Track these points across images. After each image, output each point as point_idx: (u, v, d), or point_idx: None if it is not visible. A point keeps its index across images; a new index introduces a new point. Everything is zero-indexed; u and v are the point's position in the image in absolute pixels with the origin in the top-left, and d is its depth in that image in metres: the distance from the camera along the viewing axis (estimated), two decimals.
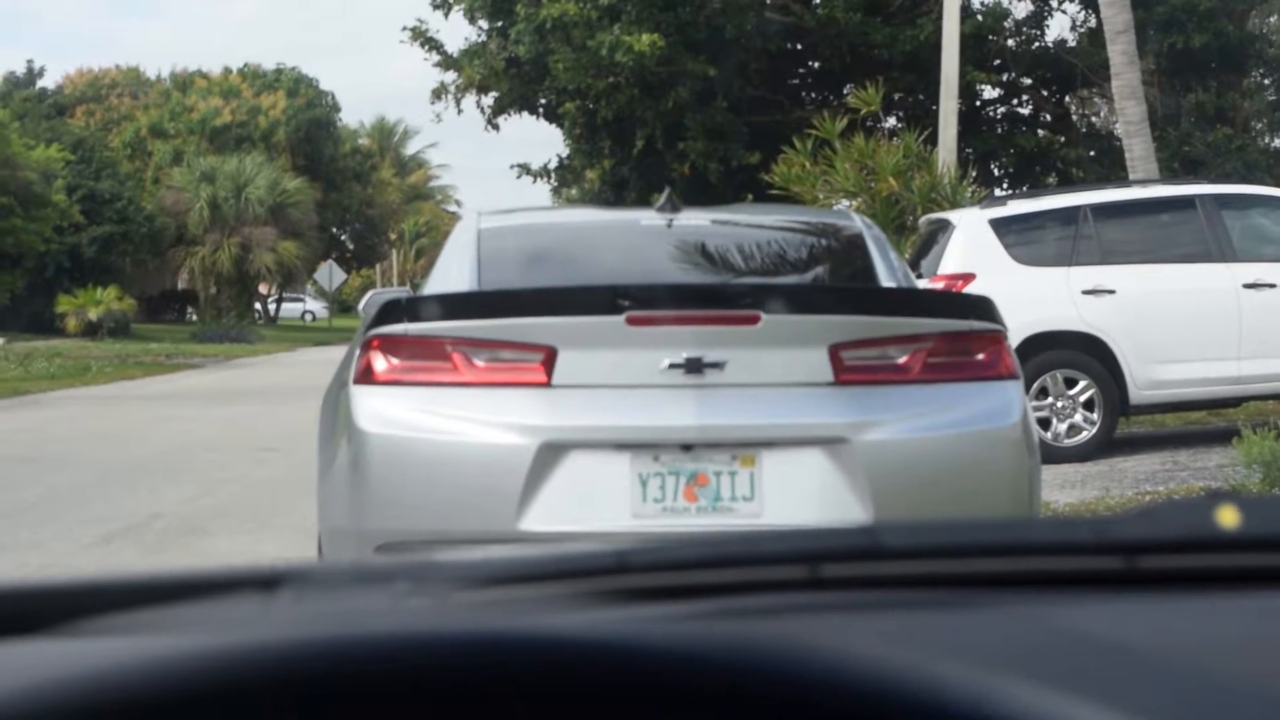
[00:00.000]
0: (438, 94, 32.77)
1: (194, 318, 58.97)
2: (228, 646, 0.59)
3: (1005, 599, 0.97)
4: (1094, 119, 35.37)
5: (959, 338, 5.14)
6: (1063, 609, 0.96)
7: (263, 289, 66.19)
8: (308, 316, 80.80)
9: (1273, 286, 12.24)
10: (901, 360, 5.05)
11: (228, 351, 40.86)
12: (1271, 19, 35.74)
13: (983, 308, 5.26)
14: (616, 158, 32.31)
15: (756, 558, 1.00)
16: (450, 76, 32.50)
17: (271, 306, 72.42)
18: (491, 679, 0.53)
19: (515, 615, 0.55)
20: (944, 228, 12.99)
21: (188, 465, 12.99)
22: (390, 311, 5.07)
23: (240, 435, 15.94)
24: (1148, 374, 12.21)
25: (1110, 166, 29.16)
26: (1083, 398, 12.30)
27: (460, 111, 33.47)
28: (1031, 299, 11.94)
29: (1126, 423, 13.24)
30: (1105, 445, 12.31)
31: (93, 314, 45.36)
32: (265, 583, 0.86)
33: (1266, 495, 6.70)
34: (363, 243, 76.47)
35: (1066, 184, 29.13)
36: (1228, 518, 1.00)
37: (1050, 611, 0.95)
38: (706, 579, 0.96)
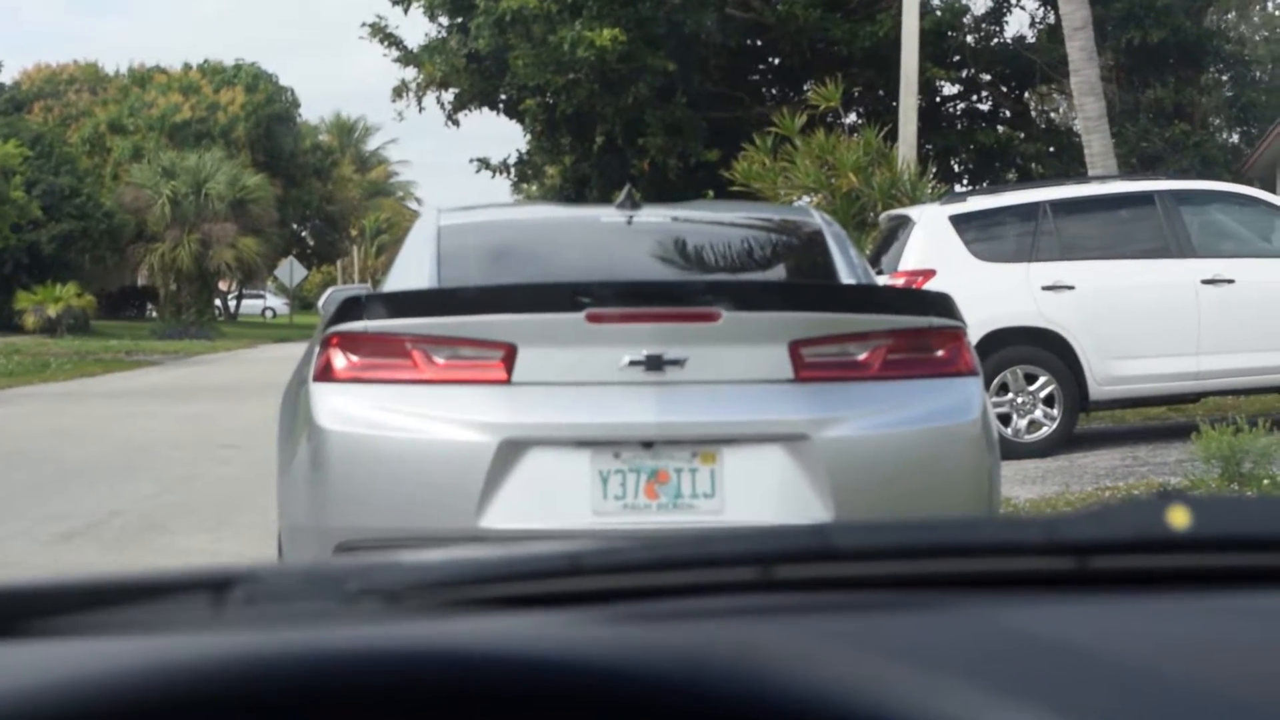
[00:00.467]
0: (399, 92, 32.74)
1: (154, 314, 58.70)
2: (170, 655, 0.59)
3: (957, 600, 0.97)
4: (1053, 115, 35.56)
5: (919, 334, 5.15)
6: (1014, 610, 0.96)
7: (223, 285, 65.91)
8: (268, 313, 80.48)
9: (1231, 282, 12.30)
10: (861, 357, 5.06)
11: (188, 348, 40.69)
12: (1229, 15, 35.98)
13: (942, 304, 5.28)
14: (577, 154, 32.33)
15: (709, 559, 1.00)
16: (411, 73, 32.49)
17: (232, 303, 72.14)
18: (432, 693, 0.53)
19: (458, 624, 0.55)
20: (904, 224, 13.02)
21: (148, 462, 12.94)
22: (350, 309, 5.05)
23: (200, 432, 15.88)
24: (1107, 369, 12.26)
25: (1069, 162, 29.32)
26: (1043, 393, 12.34)
27: (422, 109, 33.49)
28: (991, 295, 11.98)
29: (1086, 418, 13.29)
30: (1065, 441, 12.35)
31: (52, 311, 45.11)
32: (216, 585, 0.85)
33: (1216, 495, 6.74)
34: (323, 239, 76.22)
35: (1026, 180, 29.24)
36: (1178, 518, 1.00)
37: (1001, 613, 0.95)
38: (659, 581, 0.96)
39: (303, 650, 0.54)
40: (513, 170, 34.99)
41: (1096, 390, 12.32)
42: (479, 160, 34.21)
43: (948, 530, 1.07)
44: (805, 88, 28.12)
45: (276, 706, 0.54)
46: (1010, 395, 12.33)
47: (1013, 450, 11.45)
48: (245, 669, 0.56)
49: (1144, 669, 0.83)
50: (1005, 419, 12.13)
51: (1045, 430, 12.32)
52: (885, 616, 0.94)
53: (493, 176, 34.45)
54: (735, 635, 0.65)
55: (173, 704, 0.57)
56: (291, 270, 55.15)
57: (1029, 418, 12.35)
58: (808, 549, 1.02)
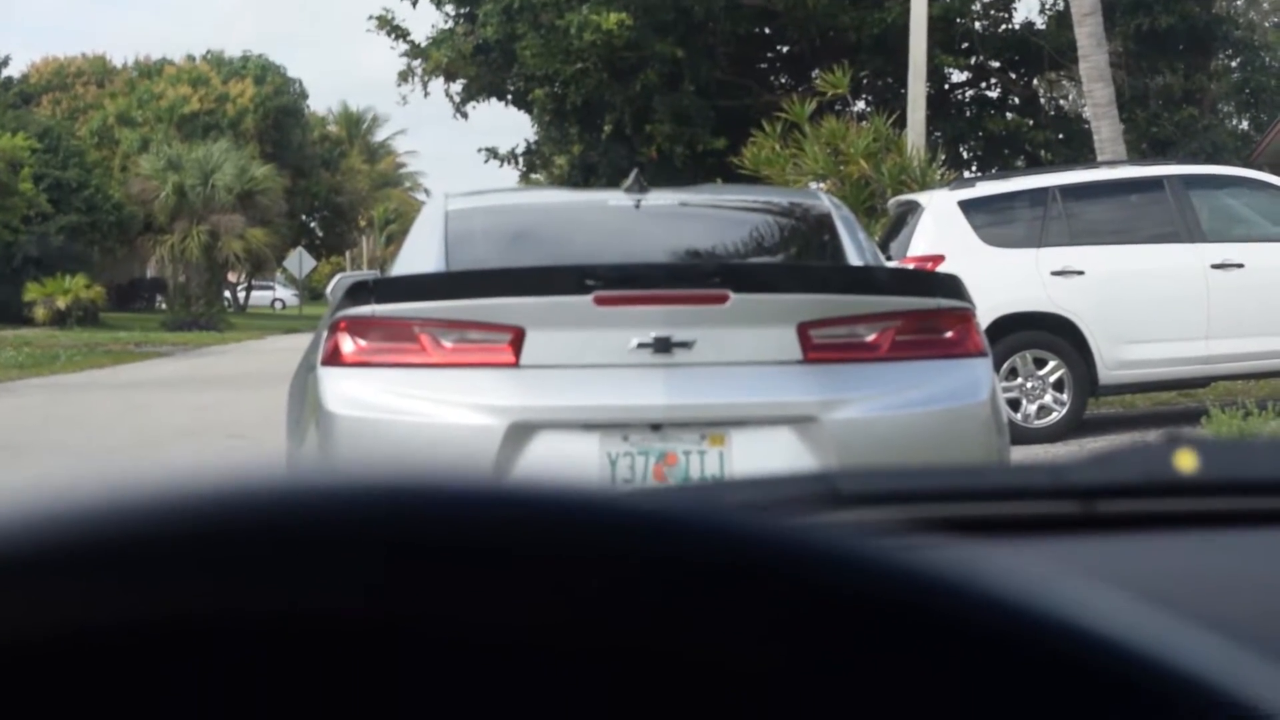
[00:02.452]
0: (404, 76, 32.70)
1: (163, 306, 58.71)
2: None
3: (962, 544, 0.96)
4: (1062, 101, 35.47)
5: (927, 316, 5.13)
6: (1020, 553, 0.96)
7: (232, 277, 65.96)
8: (278, 304, 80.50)
9: (1240, 267, 12.28)
10: (870, 338, 5.05)
11: (197, 339, 40.71)
12: (1238, 1, 35.89)
13: (951, 286, 5.26)
14: (585, 143, 32.30)
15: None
16: (418, 63, 32.45)
17: (241, 294, 72.17)
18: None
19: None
20: (913, 209, 13.00)
21: (157, 453, 12.94)
22: (358, 293, 5.05)
23: (210, 422, 15.88)
24: (1117, 354, 12.24)
25: (1078, 149, 29.25)
26: (1052, 379, 12.32)
27: (427, 94, 33.48)
28: (1001, 280, 11.95)
29: (1096, 403, 13.27)
30: (1075, 426, 12.33)
31: (61, 303, 45.11)
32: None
33: (1223, 439, 6.71)
34: (332, 230, 76.24)
35: (1035, 166, 29.20)
36: (1185, 462, 1.00)
37: (1008, 556, 0.94)
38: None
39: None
40: (521, 160, 35.00)
41: (1106, 375, 12.30)
42: (487, 150, 34.23)
43: (954, 476, 1.07)
44: (813, 75, 28.05)
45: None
46: (1019, 380, 12.31)
47: (1022, 435, 11.43)
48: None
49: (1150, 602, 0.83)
50: (1014, 404, 12.11)
51: (1055, 415, 12.30)
52: None
53: (501, 166, 34.47)
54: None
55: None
56: (300, 261, 55.19)
57: (1038, 403, 12.33)
58: (814, 496, 1.02)
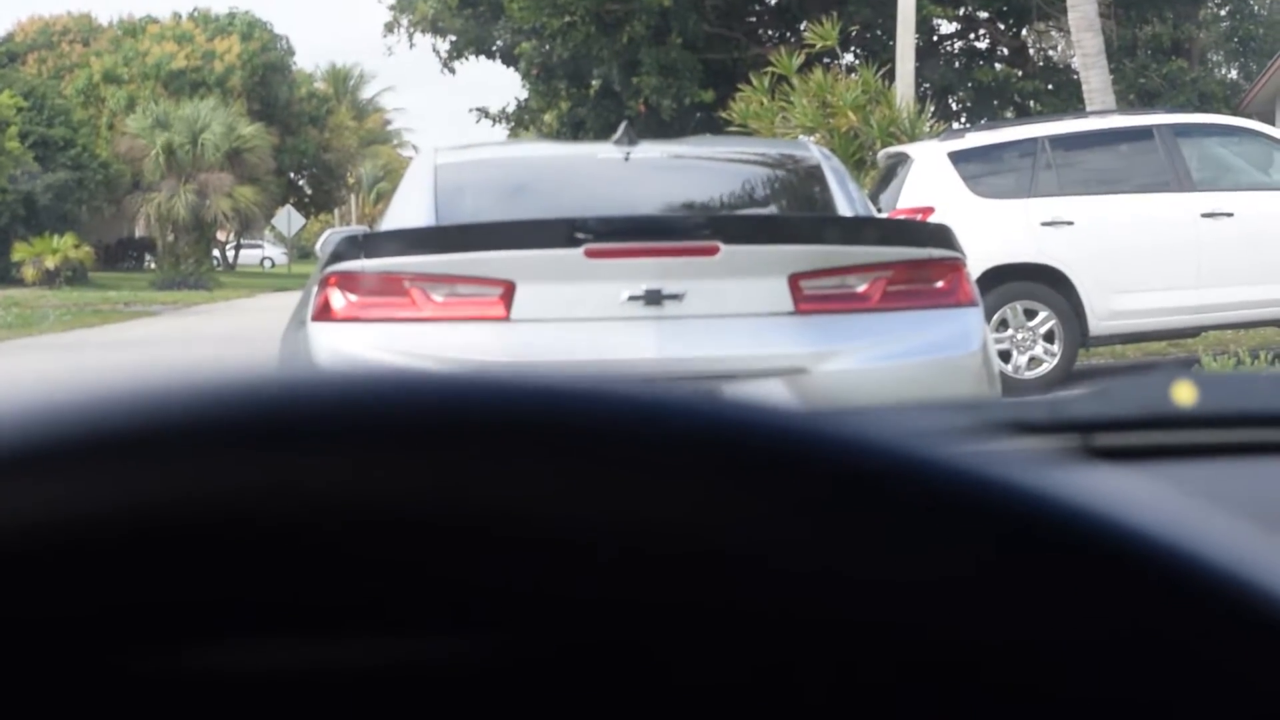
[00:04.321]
0: (390, 27, 32.60)
1: (152, 265, 58.59)
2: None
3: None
4: (1051, 52, 35.39)
5: (918, 266, 5.13)
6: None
7: (220, 235, 65.81)
8: (267, 263, 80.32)
9: (1230, 215, 12.27)
10: (861, 289, 5.05)
11: (186, 299, 40.61)
12: None
13: (941, 235, 5.26)
14: (573, 99, 32.25)
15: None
16: (405, 16, 32.35)
17: (230, 253, 72.02)
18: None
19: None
20: (903, 161, 12.98)
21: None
22: (348, 248, 5.04)
23: None
24: (1107, 305, 12.24)
25: (1068, 99, 29.20)
26: (1043, 329, 12.32)
27: (413, 45, 33.34)
28: (991, 231, 11.94)
29: (1086, 354, 13.28)
30: (1066, 377, 12.33)
31: (49, 262, 44.98)
32: None
33: (1220, 372, 6.71)
34: (320, 188, 75.99)
35: (1024, 117, 29.15)
36: (1183, 395, 0.99)
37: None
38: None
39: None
40: (510, 118, 34.93)
41: (1096, 325, 12.30)
42: (478, 110, 34.16)
43: (952, 411, 1.06)
44: (802, 27, 27.98)
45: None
46: (1010, 331, 12.31)
47: (1013, 386, 11.45)
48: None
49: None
50: (1005, 355, 12.11)
51: (1045, 366, 12.31)
52: None
53: (492, 125, 34.42)
54: None
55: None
56: (289, 219, 55.05)
57: (1029, 354, 12.34)
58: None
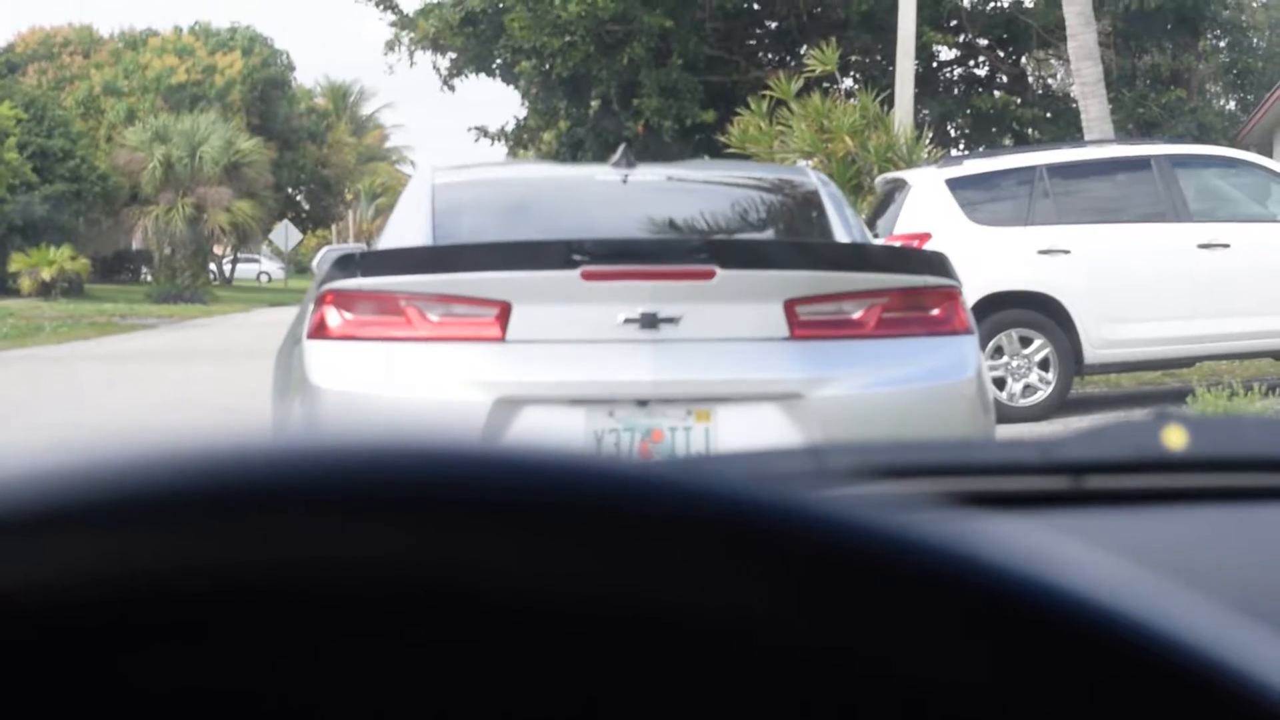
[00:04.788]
0: (390, 45, 32.64)
1: (148, 278, 58.58)
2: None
3: (952, 519, 0.96)
4: (1050, 80, 35.47)
5: (914, 293, 5.13)
6: (1008, 528, 0.96)
7: (218, 250, 65.83)
8: (263, 277, 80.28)
9: (1227, 246, 12.30)
10: (856, 315, 5.05)
11: (183, 312, 40.64)
12: None
13: (937, 263, 5.26)
14: (573, 118, 32.28)
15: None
16: (405, 33, 32.38)
17: (226, 267, 72.03)
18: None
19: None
20: (900, 187, 13.00)
21: (142, 425, 12.90)
22: (344, 266, 5.03)
23: (195, 395, 15.86)
24: (1103, 334, 12.26)
25: (1066, 127, 29.26)
26: (1038, 357, 12.34)
27: (413, 64, 33.38)
28: (987, 258, 11.96)
29: (1081, 383, 13.29)
30: (1060, 405, 12.35)
31: (46, 274, 44.98)
32: None
33: (1212, 416, 6.72)
34: (318, 203, 76.05)
35: (1022, 145, 29.21)
36: (1174, 439, 1.00)
37: (996, 530, 0.94)
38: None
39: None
40: (509, 137, 34.95)
41: (1092, 354, 12.32)
42: (477, 129, 34.19)
43: (944, 451, 1.07)
44: (801, 52, 28.04)
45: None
46: (1005, 359, 12.33)
47: (1008, 414, 11.45)
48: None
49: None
50: (1000, 383, 12.13)
51: (1040, 394, 12.32)
52: None
53: (491, 144, 34.44)
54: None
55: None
56: (286, 234, 55.10)
57: (1024, 382, 12.35)
58: (806, 470, 1.02)
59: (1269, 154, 23.01)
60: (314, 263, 6.97)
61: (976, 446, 1.25)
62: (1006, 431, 10.54)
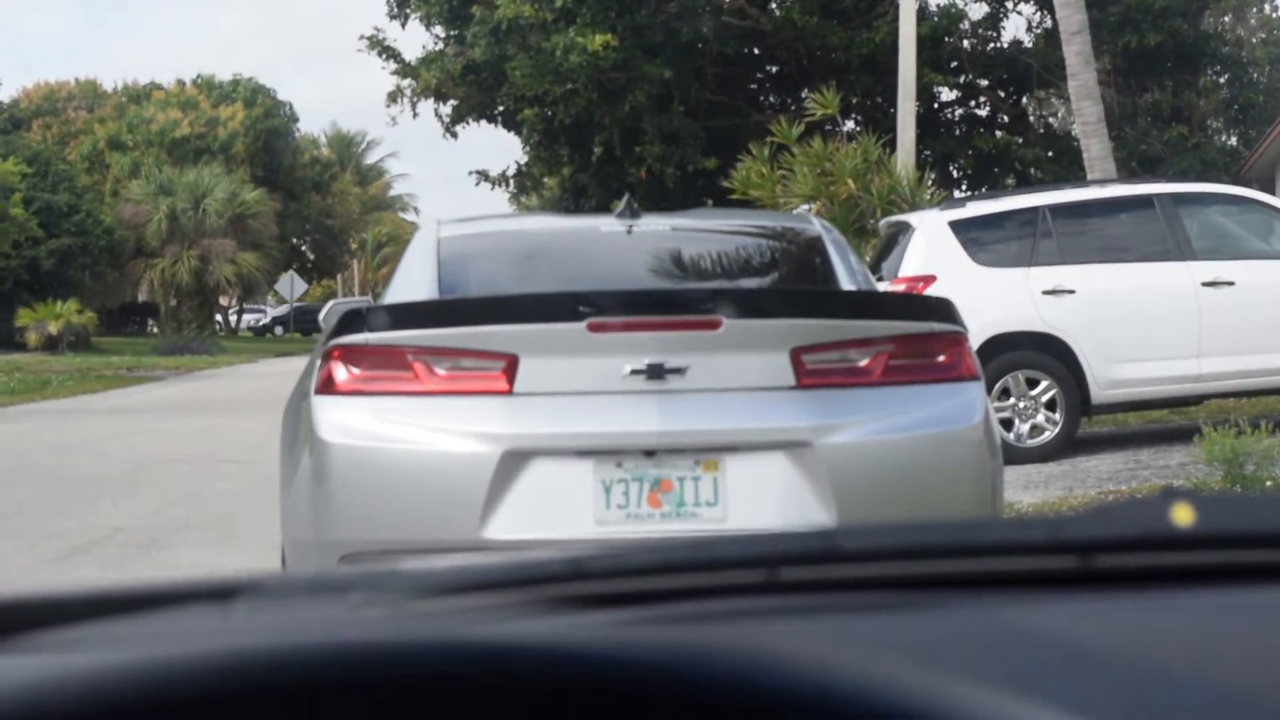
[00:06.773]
0: (393, 97, 32.75)
1: (155, 330, 58.70)
2: (173, 657, 0.58)
3: (961, 600, 0.97)
4: (1051, 120, 35.55)
5: (920, 340, 5.14)
6: (1018, 609, 0.96)
7: (223, 300, 65.96)
8: (279, 329, 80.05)
9: (1231, 284, 12.31)
10: (863, 363, 5.05)
11: (189, 363, 40.68)
12: (1226, 18, 35.99)
13: (943, 309, 5.26)
14: (575, 164, 32.35)
15: (714, 562, 1.00)
16: (408, 83, 32.49)
17: (232, 318, 72.14)
18: (439, 685, 0.53)
19: (466, 623, 0.55)
20: (904, 230, 13.02)
21: (149, 478, 12.93)
22: (351, 321, 5.04)
23: (203, 447, 15.87)
24: (1109, 373, 12.26)
25: (1068, 166, 29.33)
26: (1045, 398, 12.34)
27: (416, 115, 33.45)
28: (992, 300, 11.98)
29: (1089, 422, 13.29)
30: (1068, 445, 12.35)
31: (53, 328, 45.08)
32: (220, 594, 0.85)
33: (1219, 493, 6.72)
34: (323, 253, 76.25)
35: (1025, 185, 29.26)
36: (1182, 516, 1.00)
37: (1006, 612, 0.95)
38: (664, 584, 0.96)
39: (304, 645, 0.54)
40: (511, 182, 35.03)
41: (1098, 394, 12.32)
42: (478, 173, 34.27)
43: (952, 531, 1.07)
44: (803, 95, 28.11)
45: (281, 702, 0.54)
46: (1012, 400, 12.33)
47: (1015, 455, 11.45)
48: (248, 667, 0.56)
49: (1149, 665, 0.84)
50: (1007, 424, 12.13)
51: (1047, 435, 12.32)
52: (890, 617, 0.94)
53: (492, 189, 34.50)
54: (742, 635, 0.65)
55: (171, 707, 0.57)
56: (292, 285, 55.20)
57: (1031, 422, 12.35)
58: (813, 551, 1.02)
59: (1271, 189, 23.03)
60: (321, 316, 6.99)
61: (982, 525, 1.25)
62: (1015, 473, 10.53)
